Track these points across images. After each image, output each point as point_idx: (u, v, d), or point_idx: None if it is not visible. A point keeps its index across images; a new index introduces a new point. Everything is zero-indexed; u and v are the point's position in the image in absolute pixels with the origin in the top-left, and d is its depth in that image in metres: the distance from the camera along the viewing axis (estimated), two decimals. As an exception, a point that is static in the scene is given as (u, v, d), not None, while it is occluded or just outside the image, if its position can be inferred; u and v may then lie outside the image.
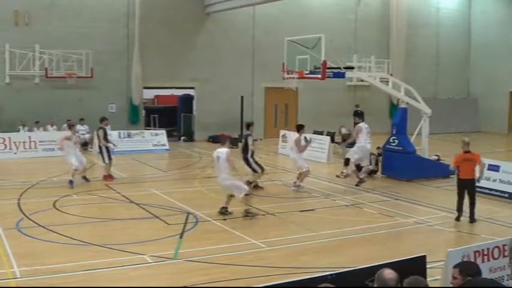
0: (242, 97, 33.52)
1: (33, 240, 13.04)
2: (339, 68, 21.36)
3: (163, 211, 15.95)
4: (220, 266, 11.29)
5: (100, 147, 21.08)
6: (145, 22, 31.13)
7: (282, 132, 29.93)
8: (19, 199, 17.30)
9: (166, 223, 14.70)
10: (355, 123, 21.39)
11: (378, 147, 22.66)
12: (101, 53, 30.34)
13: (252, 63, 34.91)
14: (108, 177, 20.91)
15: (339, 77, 21.78)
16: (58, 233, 13.43)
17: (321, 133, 28.63)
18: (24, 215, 15.35)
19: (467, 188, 15.15)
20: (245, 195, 15.32)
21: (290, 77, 21.77)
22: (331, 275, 7.42)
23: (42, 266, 11.10)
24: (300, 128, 20.12)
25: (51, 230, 13.72)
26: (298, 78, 21.57)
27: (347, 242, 13.38)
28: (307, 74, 21.05)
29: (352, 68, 25.09)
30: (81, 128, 29.20)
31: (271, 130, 35.00)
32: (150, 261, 11.54)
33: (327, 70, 20.49)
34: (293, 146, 20.19)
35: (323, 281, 6.88)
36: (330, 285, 6.29)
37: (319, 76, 20.52)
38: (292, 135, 23.07)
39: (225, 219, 15.06)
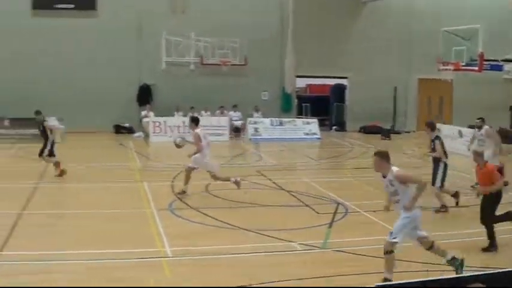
0: (395, 88, 32.79)
1: (185, 221, 13.28)
2: (497, 60, 20.38)
3: (313, 200, 15.75)
4: (367, 258, 10.90)
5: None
6: (299, 10, 31.04)
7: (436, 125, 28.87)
8: (172, 181, 17.74)
9: (316, 212, 14.50)
10: None
11: None
12: (254, 41, 30.58)
13: (406, 54, 33.85)
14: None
15: (496, 69, 20.81)
16: (209, 216, 13.58)
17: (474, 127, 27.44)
18: (177, 197, 15.72)
19: None
20: None
21: (445, 69, 21.07)
22: (483, 275, 7.14)
23: (193, 247, 11.22)
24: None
25: (202, 213, 13.92)
26: (454, 70, 20.79)
27: (505, 242, 12.58)
28: (463, 65, 20.27)
29: (510, 60, 23.81)
30: (233, 115, 29.77)
31: (424, 123, 33.84)
32: (299, 248, 11.39)
33: (484, 62, 19.60)
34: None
35: (475, 280, 6.59)
36: (482, 286, 5.91)
37: (476, 68, 19.69)
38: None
39: (374, 211, 14.61)
